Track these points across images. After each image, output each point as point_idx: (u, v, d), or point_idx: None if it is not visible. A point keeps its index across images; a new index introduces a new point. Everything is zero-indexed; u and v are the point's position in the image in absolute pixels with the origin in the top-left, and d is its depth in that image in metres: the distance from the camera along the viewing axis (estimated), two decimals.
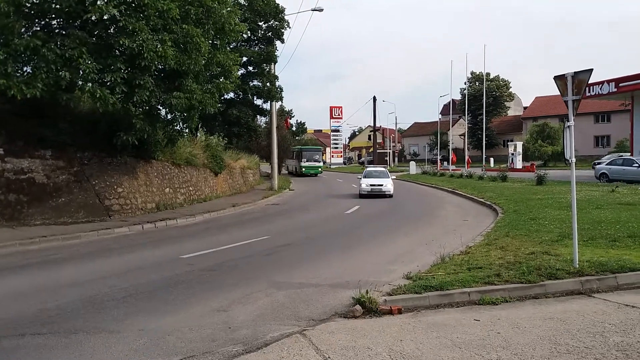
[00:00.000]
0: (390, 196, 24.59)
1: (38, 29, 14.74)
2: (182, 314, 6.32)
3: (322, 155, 55.71)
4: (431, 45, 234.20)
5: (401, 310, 6.24)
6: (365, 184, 25.12)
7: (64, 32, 14.58)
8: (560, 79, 7.74)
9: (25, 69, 14.20)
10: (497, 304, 6.46)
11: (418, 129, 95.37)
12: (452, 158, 53.16)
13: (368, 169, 30.83)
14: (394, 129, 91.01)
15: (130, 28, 13.98)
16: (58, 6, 14.38)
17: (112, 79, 13.74)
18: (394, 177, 32.96)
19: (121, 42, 13.89)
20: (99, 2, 14.79)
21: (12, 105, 14.35)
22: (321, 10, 31.10)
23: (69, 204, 14.91)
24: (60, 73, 12.92)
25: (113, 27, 15.15)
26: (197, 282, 8.09)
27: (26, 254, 10.64)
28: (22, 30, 13.87)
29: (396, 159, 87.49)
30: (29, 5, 14.28)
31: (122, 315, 6.26)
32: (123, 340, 5.35)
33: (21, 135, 14.59)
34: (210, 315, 6.28)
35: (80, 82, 14.24)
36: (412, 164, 53.56)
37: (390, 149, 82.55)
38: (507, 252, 8.86)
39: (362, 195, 24.90)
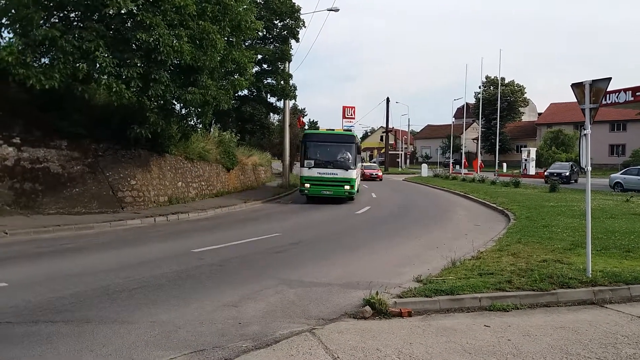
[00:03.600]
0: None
1: (57, 20, 14.86)
2: (192, 307, 6.36)
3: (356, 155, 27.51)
4: (446, 48, 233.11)
5: (411, 313, 6.23)
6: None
7: (81, 25, 14.71)
8: (577, 87, 7.67)
9: (43, 60, 14.37)
10: (508, 311, 6.42)
11: (431, 132, 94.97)
12: (465, 162, 52.86)
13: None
14: (407, 130, 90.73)
15: (147, 23, 14.09)
16: None
17: (128, 72, 13.86)
18: (403, 178, 34.16)
19: (138, 36, 14.00)
20: None
21: (30, 95, 14.52)
22: (337, 10, 31.11)
23: (83, 194, 15.06)
24: (78, 65, 13.03)
25: (130, 21, 15.29)
26: (207, 276, 8.14)
27: (40, 242, 10.76)
28: (41, 21, 14.00)
29: (408, 160, 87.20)
30: None
31: (134, 306, 6.32)
32: (135, 331, 5.40)
33: (38, 125, 14.76)
34: (220, 310, 6.31)
35: (96, 75, 14.37)
36: (424, 166, 53.32)
37: (402, 151, 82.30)
38: (519, 259, 8.80)
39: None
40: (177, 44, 14.19)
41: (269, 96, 32.74)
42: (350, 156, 21.89)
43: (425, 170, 51.01)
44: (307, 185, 21.38)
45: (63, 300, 6.44)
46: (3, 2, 13.77)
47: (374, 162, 68.73)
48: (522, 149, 54.78)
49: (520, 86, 76.84)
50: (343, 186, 21.33)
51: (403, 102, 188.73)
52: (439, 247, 11.08)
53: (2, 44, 14.05)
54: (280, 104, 32.31)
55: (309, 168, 21.31)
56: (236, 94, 24.65)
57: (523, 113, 79.77)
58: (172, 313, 6.08)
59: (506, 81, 73.37)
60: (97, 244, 10.96)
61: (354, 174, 21.86)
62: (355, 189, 22.90)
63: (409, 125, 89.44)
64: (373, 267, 9.08)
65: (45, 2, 14.35)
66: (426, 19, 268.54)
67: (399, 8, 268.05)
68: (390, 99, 63.38)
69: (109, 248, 10.58)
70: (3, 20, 14.52)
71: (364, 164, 47.49)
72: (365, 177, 40.37)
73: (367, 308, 6.21)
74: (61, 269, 8.35)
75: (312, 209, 19.73)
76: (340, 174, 21.33)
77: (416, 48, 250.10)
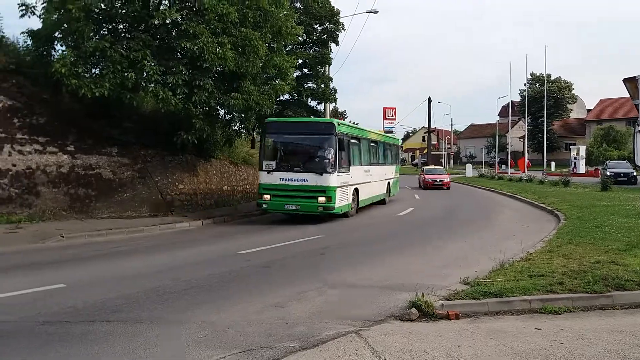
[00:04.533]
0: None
1: (106, 32, 15.52)
2: (239, 307, 6.48)
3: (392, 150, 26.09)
4: (487, 45, 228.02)
5: (458, 315, 6.13)
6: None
7: (129, 36, 15.32)
8: (630, 82, 7.45)
9: (94, 70, 15.02)
10: (559, 314, 6.22)
11: (475, 131, 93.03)
12: (511, 161, 51.49)
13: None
14: (450, 130, 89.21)
15: (191, 31, 14.51)
16: (124, 11, 15.15)
17: (174, 80, 14.31)
18: (449, 179, 33.39)
19: (182, 45, 14.44)
20: (162, 7, 15.48)
21: (82, 105, 15.22)
22: (376, 12, 31.03)
23: (133, 199, 15.61)
24: (126, 74, 13.56)
25: (175, 31, 15.79)
26: (253, 277, 8.27)
27: (94, 246, 11.22)
28: (91, 34, 14.64)
29: (451, 161, 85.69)
30: (97, 10, 15.06)
31: (184, 307, 6.49)
32: (186, 332, 5.55)
33: (90, 133, 15.44)
34: (267, 310, 6.40)
35: (143, 83, 14.91)
36: (469, 166, 52.31)
37: (445, 151, 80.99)
38: (571, 260, 8.50)
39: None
40: (220, 51, 14.53)
41: (309, 100, 32.97)
42: (328, 154, 15.28)
43: (470, 170, 50.02)
44: (267, 197, 15.46)
45: (116, 301, 6.69)
46: (56, 16, 14.47)
47: (423, 161, 65.46)
48: (571, 146, 52.94)
49: (567, 82, 74.20)
50: (316, 198, 14.86)
51: (445, 102, 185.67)
52: (486, 248, 10.85)
53: (56, 56, 14.77)
54: (320, 107, 32.47)
55: (269, 172, 15.58)
56: (278, 99, 24.95)
57: (571, 110, 76.97)
58: (221, 313, 6.21)
59: (552, 78, 71.01)
60: (148, 247, 11.33)
61: (334, 179, 15.14)
62: (339, 202, 15.43)
63: (451, 124, 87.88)
64: (418, 269, 8.98)
65: (95, 16, 15.00)
66: (463, 17, 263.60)
67: (436, 8, 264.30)
68: (432, 99, 62.50)
69: (159, 250, 10.92)
70: (56, 34, 15.30)
71: (426, 167, 40.42)
72: (427, 186, 32.74)
73: (414, 310, 6.16)
74: (114, 271, 8.68)
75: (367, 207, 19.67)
76: (311, 179, 15.11)
77: (458, 48, 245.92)
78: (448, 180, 33.61)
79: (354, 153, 17.54)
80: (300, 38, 25.51)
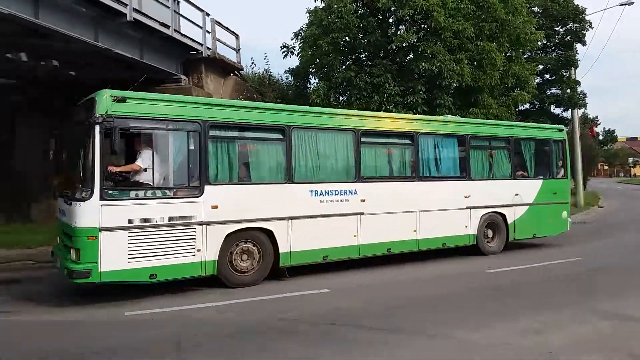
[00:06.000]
0: None
1: (350, 62, 17.07)
2: (491, 329, 6.25)
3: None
4: None
5: None
6: None
7: (370, 63, 16.55)
8: None
9: (341, 98, 16.64)
10: None
11: None
12: None
13: None
14: None
15: (428, 51, 14.94)
16: (366, 41, 16.45)
17: (413, 99, 14.92)
18: None
19: (420, 66, 14.97)
20: (400, 32, 16.33)
21: None
22: (631, 3, 26.98)
23: None
24: (372, 98, 14.71)
25: (412, 52, 16.47)
26: (502, 297, 7.93)
27: None
28: (339, 65, 16.28)
29: None
30: (342, 43, 16.69)
31: (432, 321, 6.56)
32: (441, 347, 5.63)
33: None
34: (522, 335, 6.03)
35: (385, 105, 15.88)
36: None
37: None
38: None
39: None
40: (458, 68, 14.64)
41: (552, 107, 30.37)
42: (87, 162, 7.25)
43: None
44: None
45: (376, 308, 7.16)
46: (310, 52, 16.54)
47: None
48: None
49: None
50: (69, 249, 7.34)
51: None
52: None
53: (311, 88, 16.86)
54: (567, 114, 29.61)
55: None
56: (517, 109, 23.69)
57: None
58: (474, 333, 6.10)
59: None
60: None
61: (90, 213, 7.02)
62: (112, 263, 7.09)
63: None
64: None
65: (341, 49, 16.66)
66: None
67: None
68: None
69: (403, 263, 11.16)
70: (310, 69, 17.48)
71: None
72: None
73: None
74: (361, 280, 9.25)
75: (617, 231, 17.16)
76: (67, 214, 7.65)
77: None
78: None
79: (235, 157, 8.58)
80: (539, 43, 23.82)
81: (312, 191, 9.04)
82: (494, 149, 11.93)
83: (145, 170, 7.60)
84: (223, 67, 16.58)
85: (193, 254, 7.82)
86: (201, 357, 5.37)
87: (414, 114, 14.80)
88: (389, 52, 16.35)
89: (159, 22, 13.22)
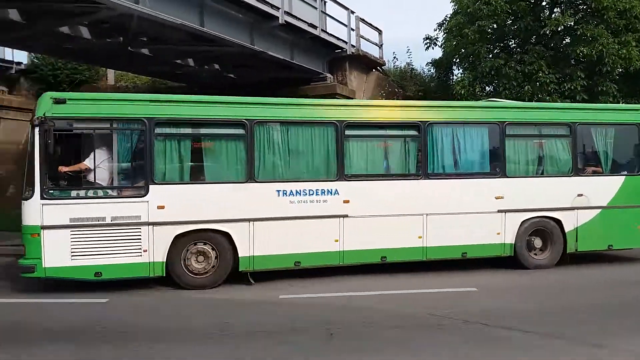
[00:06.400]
0: None
1: (498, 51, 16.26)
2: None
3: None
4: None
5: None
6: None
7: (520, 50, 15.62)
8: None
9: (487, 88, 15.96)
10: None
11: None
12: None
13: None
14: None
15: (587, 35, 13.74)
16: (515, 27, 15.58)
17: (572, 87, 13.80)
18: None
19: (578, 51, 13.80)
20: (554, 15, 15.18)
21: None
22: None
23: None
24: (522, 88, 13.89)
25: (568, 37, 15.23)
26: None
27: None
28: (485, 54, 15.62)
29: None
30: (489, 31, 15.98)
31: (600, 332, 6.09)
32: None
33: None
34: None
35: (538, 95, 14.86)
36: None
37: None
38: None
39: None
40: (624, 51, 13.23)
41: None
42: (31, 164, 7.48)
43: None
44: None
45: (527, 311, 6.86)
46: (454, 42, 16.08)
47: None
48: None
49: None
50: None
51: None
52: None
53: (454, 80, 16.41)
54: None
55: None
56: None
57: None
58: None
59: None
60: None
61: (34, 211, 7.35)
62: (57, 259, 7.34)
63: None
64: None
65: (488, 37, 15.96)
66: None
67: None
68: None
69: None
70: (454, 59, 17.01)
71: None
72: None
73: None
74: (517, 280, 8.89)
75: None
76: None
77: None
78: None
79: (186, 155, 8.16)
80: None
81: (279, 191, 8.18)
82: (545, 139, 9.60)
83: (92, 170, 7.64)
84: (366, 63, 16.87)
85: (139, 254, 7.66)
86: (349, 341, 5.66)
87: (572, 102, 13.70)
88: (542, 37, 15.27)
89: (307, 23, 13.87)
